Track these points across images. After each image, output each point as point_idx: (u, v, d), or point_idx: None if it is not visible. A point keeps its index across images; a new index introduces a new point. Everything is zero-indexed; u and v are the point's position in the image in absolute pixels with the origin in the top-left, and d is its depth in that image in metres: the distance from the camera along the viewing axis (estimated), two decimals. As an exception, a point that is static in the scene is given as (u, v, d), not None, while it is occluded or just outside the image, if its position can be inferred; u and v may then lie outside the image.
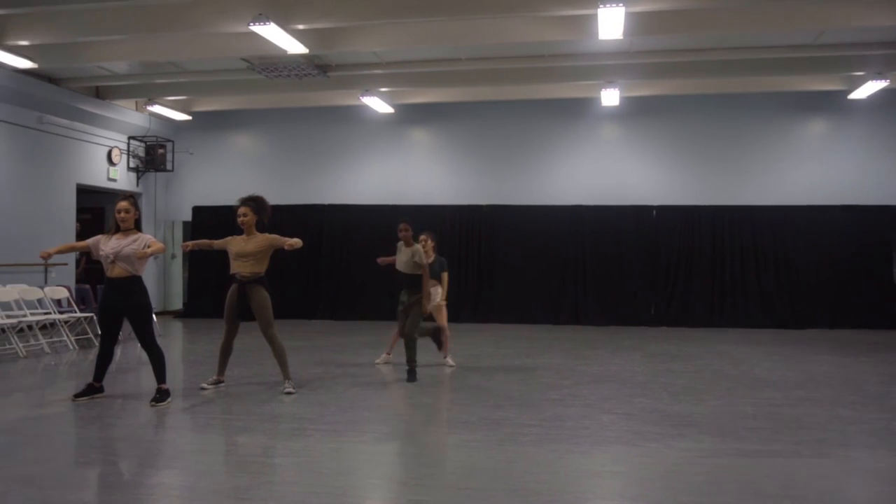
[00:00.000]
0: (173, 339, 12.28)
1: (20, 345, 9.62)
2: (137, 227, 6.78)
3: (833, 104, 13.97)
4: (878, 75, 11.96)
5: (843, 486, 4.53)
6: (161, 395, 6.62)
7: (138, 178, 15.60)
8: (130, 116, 14.79)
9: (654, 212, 14.57)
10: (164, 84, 13.38)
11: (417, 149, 15.61)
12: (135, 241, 6.60)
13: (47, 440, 5.50)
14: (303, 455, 5.17)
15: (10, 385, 7.99)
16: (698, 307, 14.22)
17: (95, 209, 14.77)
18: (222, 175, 15.94)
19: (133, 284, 6.61)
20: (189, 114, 15.38)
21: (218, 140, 16.10)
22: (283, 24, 9.29)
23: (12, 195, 12.24)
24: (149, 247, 6.56)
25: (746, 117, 14.45)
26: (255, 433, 5.67)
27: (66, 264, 13.08)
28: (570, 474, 4.76)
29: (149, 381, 6.95)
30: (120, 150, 14.92)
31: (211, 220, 15.69)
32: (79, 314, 10.91)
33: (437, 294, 8.97)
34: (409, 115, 15.17)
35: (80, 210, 14.06)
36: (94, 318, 9.71)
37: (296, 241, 7.05)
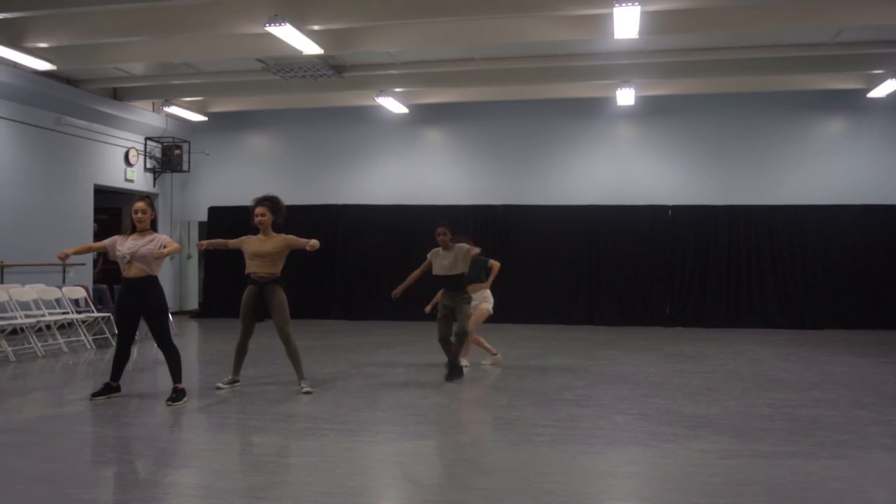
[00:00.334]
0: (189, 338, 12.36)
1: (38, 344, 9.71)
2: (153, 227, 6.83)
3: (851, 103, 13.83)
4: (898, 73, 11.84)
5: (861, 487, 4.49)
6: (177, 395, 6.66)
7: (155, 179, 15.71)
8: (147, 117, 14.90)
9: (670, 211, 14.50)
10: (180, 85, 13.46)
11: (432, 149, 15.62)
12: (151, 241, 6.64)
13: (65, 439, 5.55)
14: (317, 455, 5.19)
15: (28, 384, 8.07)
16: (714, 307, 14.13)
17: (113, 210, 14.88)
18: (238, 175, 16.01)
19: (149, 284, 6.66)
20: (205, 115, 15.47)
21: (234, 141, 16.18)
22: (299, 24, 9.32)
23: (31, 196, 12.36)
24: (165, 247, 6.60)
25: (763, 116, 14.34)
26: (270, 433, 5.69)
27: (83, 264, 13.19)
28: (584, 475, 4.74)
29: (165, 381, 7.00)
30: (137, 150, 15.02)
31: (227, 221, 15.78)
32: (96, 314, 11.01)
33: (489, 300, 8.87)
34: (424, 116, 15.18)
35: (98, 210, 14.18)
36: (112, 317, 9.78)
37: (315, 243, 7.06)
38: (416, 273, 8.23)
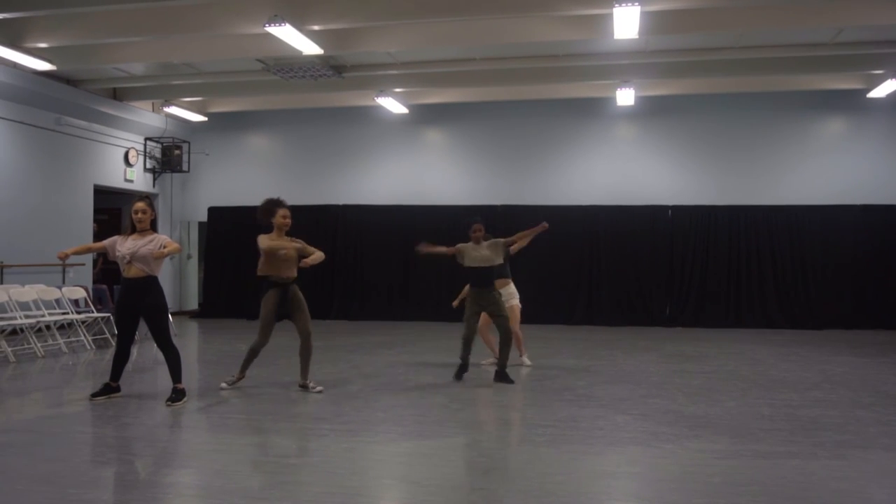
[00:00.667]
0: (189, 339, 12.35)
1: (38, 345, 9.71)
2: (153, 227, 6.83)
3: (851, 103, 13.83)
4: (898, 73, 11.84)
5: (862, 487, 4.49)
6: (177, 395, 6.66)
7: (155, 179, 15.70)
8: (147, 118, 14.90)
9: (670, 212, 14.50)
10: (180, 85, 13.46)
11: (432, 149, 15.62)
12: (151, 241, 6.64)
13: (65, 439, 5.55)
14: (317, 455, 5.19)
15: (28, 384, 8.07)
16: (714, 307, 14.13)
17: (112, 210, 14.88)
18: (238, 176, 16.02)
19: (149, 284, 6.66)
20: (205, 115, 15.47)
21: (233, 141, 16.18)
22: (299, 25, 9.32)
23: (31, 196, 12.35)
24: (165, 247, 6.61)
25: (763, 116, 14.34)
26: (270, 433, 5.69)
27: (83, 265, 13.19)
28: (584, 475, 4.74)
29: (165, 381, 6.99)
30: (137, 151, 15.02)
31: (226, 221, 15.83)
32: (96, 314, 11.01)
33: (515, 295, 8.84)
34: (424, 116, 15.18)
35: (98, 211, 14.17)
36: (111, 318, 9.78)
37: (315, 259, 7.20)
38: (444, 249, 8.05)
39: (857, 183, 13.92)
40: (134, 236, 6.69)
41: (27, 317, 10.02)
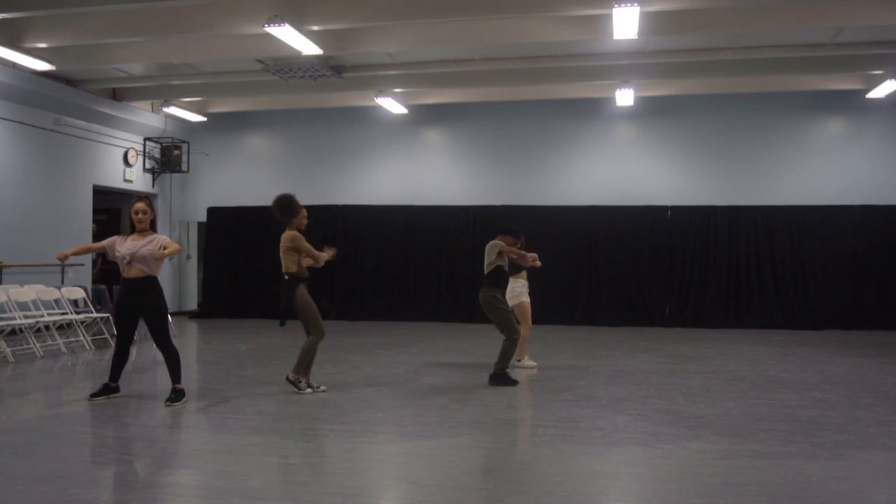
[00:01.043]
0: (188, 339, 12.35)
1: (37, 345, 9.70)
2: (152, 227, 6.84)
3: (851, 103, 13.84)
4: (897, 74, 11.85)
5: (861, 488, 4.49)
6: (176, 395, 6.66)
7: (154, 179, 15.70)
8: (146, 118, 14.89)
9: (669, 212, 14.50)
10: (179, 85, 13.45)
11: (431, 149, 15.62)
12: (151, 241, 6.65)
13: (64, 439, 5.54)
14: (316, 455, 5.19)
15: (27, 385, 8.06)
16: (713, 308, 14.13)
17: (112, 210, 14.88)
18: (237, 176, 16.02)
19: (149, 285, 6.66)
20: (204, 115, 15.47)
21: (233, 141, 16.18)
22: (298, 25, 9.32)
23: (30, 196, 12.35)
24: (165, 248, 6.61)
25: (762, 117, 14.35)
26: (269, 433, 5.69)
27: (82, 265, 13.19)
28: (583, 475, 4.74)
29: (164, 381, 6.99)
30: (136, 151, 15.02)
31: (226, 221, 15.83)
32: (95, 314, 11.00)
33: (524, 293, 8.80)
34: (423, 116, 15.18)
35: (97, 211, 14.17)
36: (110, 318, 9.79)
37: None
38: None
39: (856, 183, 13.93)
40: (133, 236, 6.69)
41: (26, 317, 10.02)
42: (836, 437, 5.54)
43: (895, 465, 5.00)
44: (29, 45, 10.17)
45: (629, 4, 8.27)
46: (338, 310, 15.13)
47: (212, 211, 15.97)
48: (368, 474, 4.83)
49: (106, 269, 13.59)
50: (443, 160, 15.49)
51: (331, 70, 11.80)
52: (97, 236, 13.11)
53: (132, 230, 6.72)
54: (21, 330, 9.86)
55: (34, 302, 10.33)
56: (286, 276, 7.11)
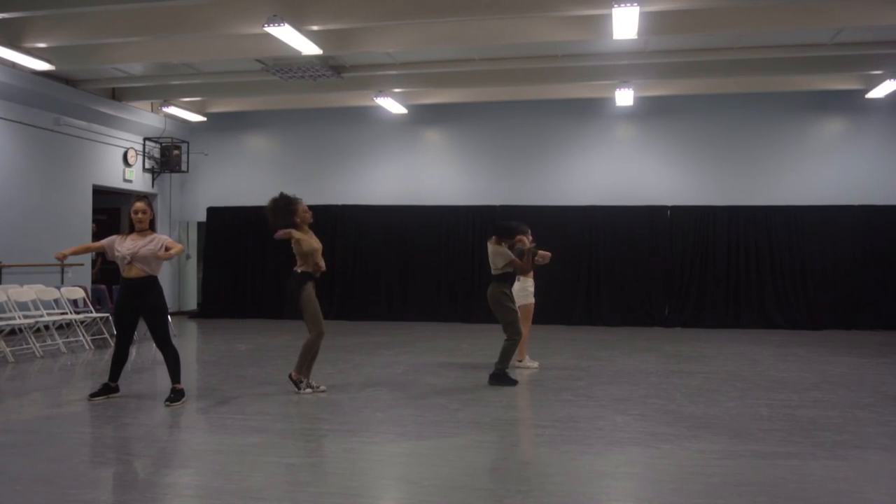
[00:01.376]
0: (188, 339, 12.35)
1: (37, 345, 9.70)
2: (151, 227, 6.84)
3: (850, 103, 13.84)
4: (896, 74, 11.85)
5: (860, 488, 4.49)
6: (176, 395, 6.66)
7: (153, 179, 15.70)
8: (146, 118, 14.89)
9: (669, 212, 14.50)
10: (179, 85, 13.45)
11: (431, 149, 15.62)
12: (151, 241, 6.65)
13: (64, 439, 5.54)
14: (316, 455, 5.19)
15: (27, 385, 8.06)
16: (713, 308, 14.14)
17: (111, 210, 14.88)
18: (237, 176, 16.02)
19: (150, 285, 6.67)
20: (204, 115, 15.47)
21: (232, 141, 16.18)
22: (298, 25, 9.31)
23: (29, 196, 12.35)
24: (168, 248, 6.62)
25: (762, 117, 14.35)
26: (269, 433, 5.69)
27: (82, 265, 13.18)
28: (583, 475, 4.74)
29: (164, 382, 6.99)
30: (136, 151, 15.02)
31: (226, 221, 15.83)
32: (94, 314, 11.00)
33: (529, 294, 8.79)
34: (423, 116, 15.18)
35: (96, 211, 14.16)
36: (110, 318, 9.79)
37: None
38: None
39: (855, 183, 13.93)
40: (133, 236, 6.69)
41: (26, 317, 10.02)
42: (836, 437, 5.54)
43: (894, 465, 5.00)
44: (29, 45, 10.17)
45: (629, 4, 8.27)
46: (337, 310, 15.13)
47: (211, 211, 15.97)
48: (368, 474, 4.83)
49: (106, 269, 13.59)
50: (442, 160, 15.49)
51: (330, 70, 11.80)
52: (97, 236, 13.11)
53: (131, 229, 6.73)
54: (20, 330, 9.86)
55: (34, 302, 10.33)
56: (297, 271, 7.07)
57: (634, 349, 10.68)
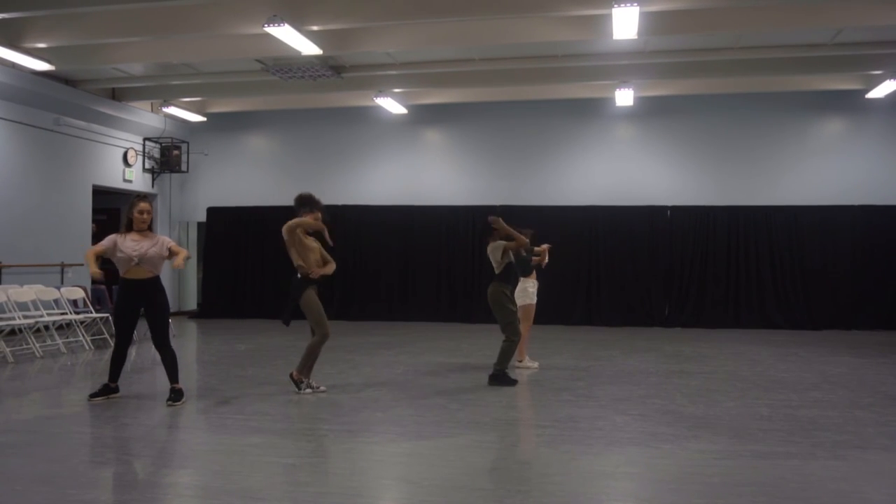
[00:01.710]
0: (188, 339, 12.35)
1: (37, 345, 9.70)
2: (149, 227, 6.88)
3: (850, 103, 13.84)
4: (896, 74, 11.85)
5: (860, 488, 4.49)
6: (176, 395, 6.66)
7: (153, 179, 15.70)
8: (146, 118, 14.89)
9: (669, 212, 14.50)
10: (179, 85, 13.45)
11: (431, 149, 15.62)
12: (156, 243, 6.70)
13: (64, 439, 5.54)
14: (316, 455, 5.19)
15: (27, 385, 8.06)
16: (713, 308, 14.14)
17: (111, 210, 14.86)
18: (237, 176, 16.02)
19: (158, 284, 6.73)
20: (204, 115, 15.47)
21: (232, 141, 16.18)
22: (298, 25, 9.31)
23: (29, 196, 12.35)
24: (174, 252, 6.67)
25: (762, 117, 14.35)
26: (269, 433, 5.69)
27: (82, 265, 13.17)
28: (583, 475, 4.74)
29: (163, 382, 6.99)
30: (135, 151, 15.02)
31: (225, 221, 15.82)
32: (94, 314, 11.00)
33: (530, 294, 8.75)
34: (423, 116, 15.18)
35: (96, 211, 14.16)
36: (110, 318, 9.78)
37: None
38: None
39: (855, 183, 13.93)
40: (133, 235, 6.70)
41: (26, 317, 10.01)
42: (836, 437, 5.54)
43: (894, 465, 5.00)
44: (29, 45, 10.17)
45: (629, 4, 8.27)
46: (337, 310, 15.11)
47: (211, 211, 15.96)
48: (368, 474, 4.83)
49: (105, 270, 13.52)
50: (442, 160, 15.49)
51: (330, 70, 11.80)
52: (97, 236, 13.09)
53: (129, 228, 6.73)
54: (20, 330, 9.85)
55: (33, 302, 10.32)
56: (299, 276, 7.09)
57: (634, 349, 10.68)
